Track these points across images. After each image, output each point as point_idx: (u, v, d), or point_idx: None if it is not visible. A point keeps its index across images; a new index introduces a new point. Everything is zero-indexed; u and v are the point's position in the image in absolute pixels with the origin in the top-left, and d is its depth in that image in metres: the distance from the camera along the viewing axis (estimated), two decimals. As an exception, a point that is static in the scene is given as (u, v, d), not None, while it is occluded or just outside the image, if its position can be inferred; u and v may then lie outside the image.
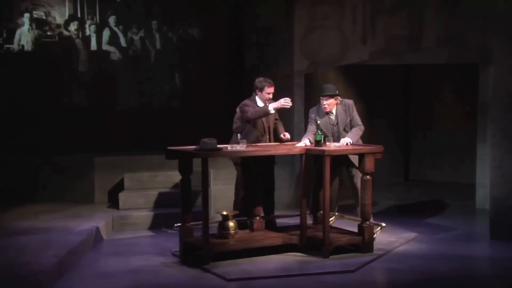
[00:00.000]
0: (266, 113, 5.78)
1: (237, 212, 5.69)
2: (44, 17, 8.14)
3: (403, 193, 9.07)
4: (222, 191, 7.33)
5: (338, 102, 5.95)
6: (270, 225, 6.08)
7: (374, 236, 5.65)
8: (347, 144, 5.69)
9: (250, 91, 6.16)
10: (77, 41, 8.30)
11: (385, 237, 5.97)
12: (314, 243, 5.49)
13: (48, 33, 8.18)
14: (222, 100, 8.28)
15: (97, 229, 6.01)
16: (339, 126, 5.93)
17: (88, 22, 8.31)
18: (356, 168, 5.82)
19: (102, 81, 8.39)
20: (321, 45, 7.78)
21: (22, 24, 8.08)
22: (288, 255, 5.42)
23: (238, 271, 4.95)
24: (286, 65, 7.92)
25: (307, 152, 5.51)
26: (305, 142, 5.74)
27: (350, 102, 6.01)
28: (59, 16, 8.20)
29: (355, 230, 5.65)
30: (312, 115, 5.98)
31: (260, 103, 5.94)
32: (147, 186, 7.25)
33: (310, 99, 7.53)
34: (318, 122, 5.73)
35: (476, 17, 7.14)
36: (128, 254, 5.55)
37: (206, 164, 5.14)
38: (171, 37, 8.65)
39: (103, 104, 8.37)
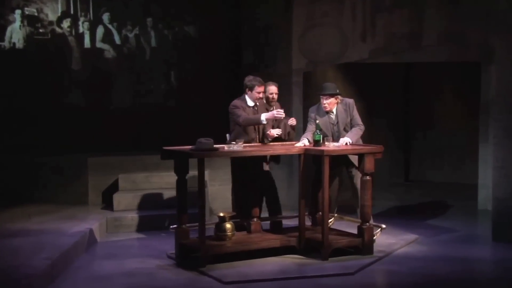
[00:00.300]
0: (258, 123, 5.81)
1: (234, 213, 5.68)
2: (36, 14, 8.11)
3: (404, 194, 9.08)
4: (219, 192, 7.32)
5: (339, 101, 5.95)
6: (275, 226, 6.08)
7: (374, 238, 5.64)
8: (346, 144, 5.69)
9: (248, 90, 6.15)
10: (70, 38, 8.28)
11: (385, 239, 5.97)
12: (312, 245, 5.48)
13: (40, 30, 8.15)
14: (219, 100, 8.26)
15: (91, 231, 5.99)
16: (339, 126, 5.93)
17: (82, 19, 8.29)
18: (356, 168, 5.82)
19: (96, 80, 8.37)
20: (320, 43, 7.78)
21: (14, 21, 8.05)
22: (286, 257, 5.42)
23: (235, 274, 4.94)
24: (285, 63, 7.91)
25: (306, 152, 5.51)
26: (304, 142, 5.74)
27: (350, 101, 6.00)
28: (51, 12, 8.18)
29: (355, 231, 5.64)
30: (311, 115, 5.98)
31: (250, 103, 5.94)
32: (142, 187, 7.24)
33: (309, 98, 7.53)
34: (317, 121, 5.73)
35: (477, 15, 7.15)
36: (122, 257, 5.53)
37: (203, 164, 5.13)
38: (166, 34, 8.64)
39: (97, 103, 8.36)
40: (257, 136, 6.00)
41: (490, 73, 7.29)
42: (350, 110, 5.95)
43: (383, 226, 5.86)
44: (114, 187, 7.32)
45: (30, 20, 8.10)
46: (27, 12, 8.07)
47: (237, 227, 5.67)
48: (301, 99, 7.79)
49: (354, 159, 5.80)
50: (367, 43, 7.67)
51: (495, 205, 6.02)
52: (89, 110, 8.27)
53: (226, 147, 5.47)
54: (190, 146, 5.33)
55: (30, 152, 7.74)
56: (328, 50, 7.78)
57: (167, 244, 5.79)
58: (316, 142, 5.53)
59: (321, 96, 5.92)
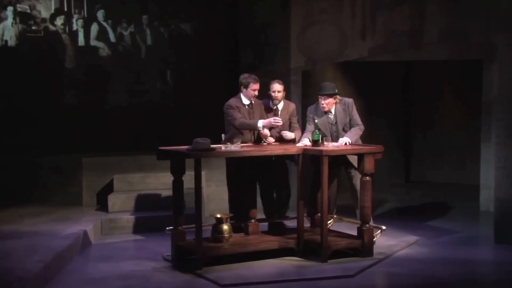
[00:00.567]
0: (254, 128, 5.82)
1: (231, 214, 5.68)
2: (28, 11, 8.09)
3: (404, 194, 9.09)
4: (216, 192, 7.32)
5: (337, 101, 5.94)
6: (279, 227, 6.10)
7: (374, 239, 5.64)
8: (345, 144, 5.69)
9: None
10: (64, 36, 8.26)
11: (385, 240, 5.97)
12: (311, 247, 5.48)
13: (33, 28, 8.13)
14: (216, 99, 8.22)
15: (85, 232, 5.98)
16: (338, 126, 5.93)
17: (75, 16, 8.28)
18: (355, 169, 5.82)
19: (90, 79, 8.36)
20: (318, 41, 7.78)
21: (5, 18, 8.03)
22: (285, 259, 5.41)
23: (232, 276, 4.94)
24: (283, 62, 7.91)
25: (304, 152, 5.50)
26: (304, 142, 5.73)
27: (349, 101, 6.00)
28: (44, 9, 8.16)
29: (354, 233, 5.64)
30: (310, 115, 5.98)
31: (245, 101, 5.94)
32: (138, 187, 7.23)
33: (308, 97, 7.53)
34: (316, 121, 5.72)
35: (479, 12, 7.14)
36: (117, 259, 5.52)
37: (199, 164, 5.12)
38: (162, 32, 8.63)
39: (91, 102, 8.34)
40: (253, 137, 6.00)
41: (492, 71, 7.29)
42: (349, 110, 5.94)
43: (383, 227, 5.86)
44: (109, 188, 7.31)
45: (23, 17, 8.08)
46: (19, 9, 8.05)
47: (234, 229, 5.66)
48: (300, 98, 7.79)
49: (353, 159, 5.79)
50: (367, 41, 7.66)
51: (497, 206, 6.02)
52: (83, 109, 8.26)
53: (223, 147, 5.46)
54: (187, 146, 5.32)
55: (23, 153, 7.71)
56: (327, 48, 7.78)
57: (163, 246, 5.78)
58: (315, 142, 5.53)
59: (319, 96, 5.92)
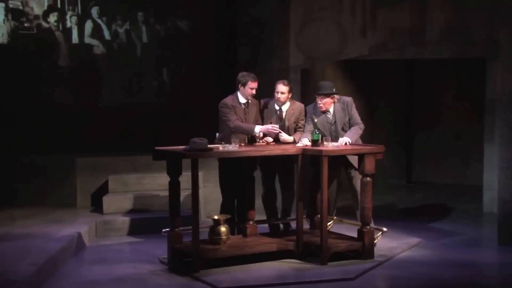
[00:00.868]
0: (249, 133, 5.79)
1: (229, 216, 5.67)
2: (21, 7, 8.08)
3: (406, 195, 9.09)
4: (213, 193, 7.31)
5: (336, 100, 5.93)
6: (284, 227, 6.13)
7: (375, 241, 5.65)
8: (345, 144, 5.69)
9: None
10: (57, 33, 8.25)
11: (387, 242, 5.97)
12: (311, 249, 5.48)
13: (26, 25, 8.12)
14: (213, 98, 8.21)
15: (79, 235, 5.98)
16: (337, 125, 5.93)
17: (69, 13, 8.27)
18: (355, 169, 5.82)
19: (84, 77, 8.36)
20: (318, 39, 7.79)
21: (-3, 15, 8.03)
22: (284, 262, 5.41)
23: (230, 279, 4.93)
24: (281, 60, 7.91)
25: (304, 152, 5.50)
26: (304, 142, 5.73)
27: (349, 99, 5.99)
28: (37, 6, 8.15)
29: (355, 235, 5.65)
30: (308, 114, 5.97)
31: (242, 99, 5.92)
32: (133, 188, 7.23)
33: (307, 96, 7.52)
34: (315, 120, 5.72)
35: (482, 9, 7.17)
36: (112, 262, 5.52)
37: (196, 165, 5.12)
38: (158, 30, 8.63)
39: (85, 101, 8.34)
40: (247, 136, 5.98)
41: (495, 70, 7.30)
42: (349, 109, 5.94)
43: (384, 229, 5.86)
44: (103, 189, 7.31)
45: (15, 14, 8.07)
46: (11, 6, 8.03)
47: (232, 231, 5.67)
48: (299, 97, 7.78)
49: (354, 159, 5.79)
50: (367, 38, 7.67)
51: (501, 207, 6.03)
52: (77, 108, 8.25)
53: (221, 147, 5.46)
54: (184, 146, 5.32)
55: (14, 152, 7.70)
56: (326, 46, 7.79)
57: (159, 249, 5.78)
58: (315, 142, 5.52)
59: (316, 96, 5.91)
